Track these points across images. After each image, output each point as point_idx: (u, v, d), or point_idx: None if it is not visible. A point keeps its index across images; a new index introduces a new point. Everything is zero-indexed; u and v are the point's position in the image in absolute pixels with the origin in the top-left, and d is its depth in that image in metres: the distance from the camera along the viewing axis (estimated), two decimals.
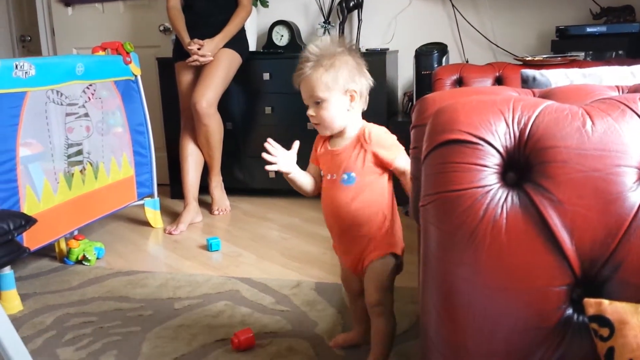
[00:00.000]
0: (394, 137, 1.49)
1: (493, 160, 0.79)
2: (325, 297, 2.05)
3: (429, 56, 2.98)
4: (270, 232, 2.84)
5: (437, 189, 0.80)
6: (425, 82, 2.86)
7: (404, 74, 3.48)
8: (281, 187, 3.39)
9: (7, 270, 2.00)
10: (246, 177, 3.42)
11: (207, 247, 2.60)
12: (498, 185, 0.78)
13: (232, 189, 3.39)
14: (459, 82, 2.61)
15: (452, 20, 3.36)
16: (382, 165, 1.48)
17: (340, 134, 1.52)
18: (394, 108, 3.40)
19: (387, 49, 3.20)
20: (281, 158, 1.55)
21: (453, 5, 3.31)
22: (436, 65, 2.92)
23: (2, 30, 4.39)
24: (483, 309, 0.78)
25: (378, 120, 3.02)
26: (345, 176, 1.49)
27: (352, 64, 1.46)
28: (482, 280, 0.77)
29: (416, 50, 3.04)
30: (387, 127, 3.16)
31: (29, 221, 1.93)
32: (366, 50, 3.25)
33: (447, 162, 0.80)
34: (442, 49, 3.02)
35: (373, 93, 3.22)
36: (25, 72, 2.10)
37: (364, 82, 1.48)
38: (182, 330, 1.84)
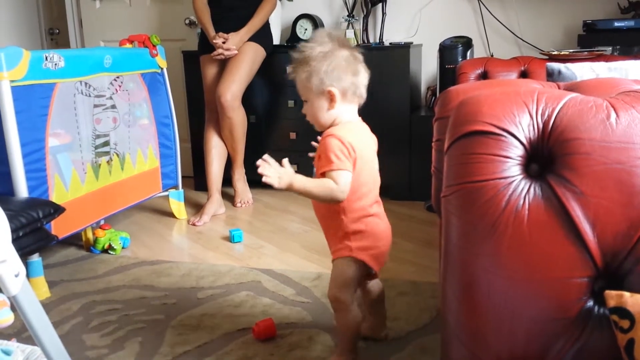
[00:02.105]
0: (340, 152, 1.42)
1: (516, 151, 0.79)
2: None
3: (453, 50, 2.96)
4: (291, 225, 2.87)
5: (460, 180, 0.81)
6: (449, 76, 2.85)
7: (427, 68, 3.47)
8: None
9: (36, 258, 2.05)
10: None
11: (230, 239, 2.64)
12: (521, 176, 0.79)
13: (255, 182, 3.41)
14: (484, 76, 2.59)
15: (478, 14, 3.33)
16: None
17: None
18: (417, 102, 3.38)
19: (411, 43, 3.19)
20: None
21: None
22: (460, 59, 2.90)
23: (31, 23, 4.48)
24: (504, 299, 0.78)
25: (400, 115, 3.07)
26: (314, 173, 1.51)
27: (338, 62, 1.45)
28: (503, 271, 0.78)
29: (440, 44, 3.03)
30: (410, 122, 3.15)
31: (57, 210, 1.99)
32: (390, 44, 3.25)
33: (470, 153, 0.80)
34: (466, 42, 3.00)
35: (396, 87, 3.23)
36: (55, 64, 2.15)
37: (350, 79, 1.46)
38: (204, 319, 1.87)
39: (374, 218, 1.54)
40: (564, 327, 0.77)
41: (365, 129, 1.57)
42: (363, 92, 1.50)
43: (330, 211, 1.50)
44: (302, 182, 1.40)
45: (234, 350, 1.67)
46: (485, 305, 0.80)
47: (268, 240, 2.65)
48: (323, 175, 1.44)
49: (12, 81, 1.96)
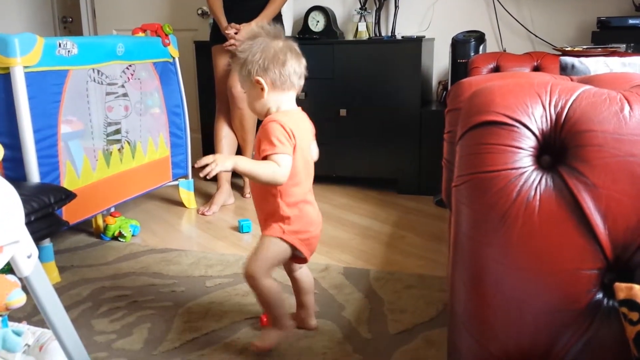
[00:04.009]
0: (282, 136, 1.46)
1: (528, 142, 0.79)
2: (353, 281, 2.07)
3: (465, 44, 2.95)
4: None
5: (471, 170, 0.81)
6: (461, 70, 2.84)
7: (439, 63, 3.46)
8: None
9: (47, 243, 2.07)
10: None
11: (239, 229, 2.65)
12: (532, 167, 0.79)
13: None
14: (496, 71, 2.58)
15: (491, 9, 3.31)
16: None
17: None
18: (428, 97, 3.38)
19: (423, 37, 3.18)
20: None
21: None
22: (473, 54, 2.89)
23: (44, 11, 4.50)
24: (512, 289, 0.78)
25: (411, 109, 3.06)
26: (253, 154, 1.57)
27: (267, 53, 1.51)
28: (513, 261, 0.78)
29: (453, 39, 3.02)
30: (420, 117, 3.14)
31: (68, 196, 2.01)
32: (402, 37, 3.24)
33: (482, 144, 0.80)
34: (479, 37, 2.99)
35: (407, 81, 3.22)
36: (68, 51, 2.16)
37: (278, 69, 1.51)
38: (212, 307, 1.88)
39: (308, 205, 1.59)
40: (573, 319, 0.77)
41: (303, 117, 1.62)
42: (295, 81, 1.56)
43: (267, 194, 1.55)
44: (247, 162, 1.45)
45: (241, 338, 1.69)
46: (494, 295, 0.80)
47: None
48: (265, 159, 1.47)
49: (25, 67, 1.97)
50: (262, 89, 1.52)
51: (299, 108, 1.61)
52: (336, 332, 1.72)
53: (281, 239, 1.55)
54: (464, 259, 0.84)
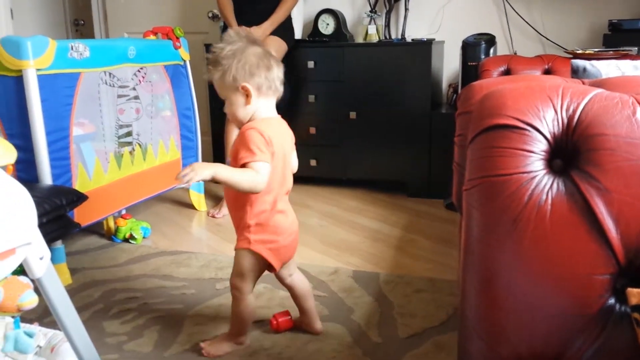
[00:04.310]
0: (261, 144, 1.45)
1: (540, 146, 0.79)
2: (362, 284, 2.07)
3: (476, 47, 2.94)
4: (309, 220, 2.87)
5: (482, 173, 0.81)
6: (471, 73, 2.83)
7: (449, 65, 3.45)
8: (322, 176, 3.42)
9: (59, 245, 2.09)
10: None
11: None
12: (544, 171, 0.78)
13: None
14: (507, 74, 2.57)
15: (501, 12, 3.30)
16: None
17: None
18: (439, 99, 3.37)
19: (433, 39, 3.17)
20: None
21: None
22: (483, 57, 2.88)
23: (56, 14, 4.54)
24: (524, 294, 0.78)
25: (421, 112, 3.05)
26: (228, 161, 1.55)
27: (248, 56, 1.49)
28: (524, 265, 0.77)
29: (463, 41, 3.01)
30: (430, 119, 3.14)
31: (80, 198, 2.02)
32: (412, 40, 3.23)
33: (493, 147, 0.80)
34: (489, 40, 2.98)
35: (417, 84, 3.22)
36: (80, 54, 2.18)
37: (263, 74, 1.50)
38: (222, 310, 1.89)
39: (279, 214, 1.56)
40: (584, 324, 0.77)
41: (283, 125, 1.60)
42: (279, 86, 1.55)
43: (238, 201, 1.54)
44: (228, 171, 1.44)
45: (251, 341, 1.69)
46: (505, 299, 0.80)
47: None
48: (244, 166, 1.46)
49: (38, 70, 1.99)
50: (248, 95, 1.50)
51: (279, 116, 1.60)
52: (345, 336, 1.72)
53: (248, 249, 1.54)
54: (475, 262, 0.83)
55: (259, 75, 1.50)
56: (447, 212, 2.92)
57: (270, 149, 1.48)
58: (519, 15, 3.26)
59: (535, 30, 3.25)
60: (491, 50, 2.96)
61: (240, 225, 1.56)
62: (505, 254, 0.79)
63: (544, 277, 0.77)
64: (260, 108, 1.54)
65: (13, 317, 1.04)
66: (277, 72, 1.54)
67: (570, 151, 0.78)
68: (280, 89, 1.56)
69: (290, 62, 3.19)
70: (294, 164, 1.66)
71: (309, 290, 1.74)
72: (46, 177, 2.04)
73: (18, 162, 2.02)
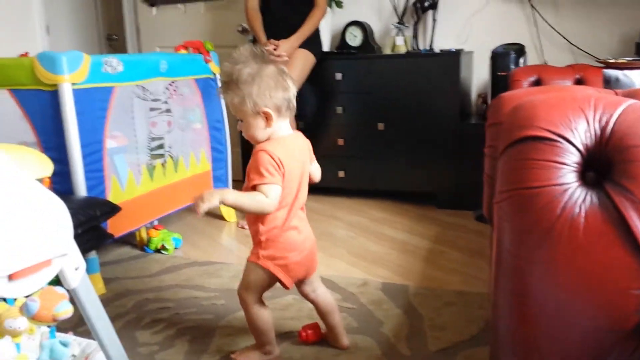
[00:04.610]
0: (270, 166, 1.46)
1: (572, 158, 0.78)
2: (391, 297, 2.06)
3: (505, 57, 2.91)
4: (337, 231, 2.87)
5: (514, 186, 0.80)
6: (501, 83, 2.80)
7: (478, 76, 3.43)
8: (350, 187, 3.42)
9: (93, 255, 2.13)
10: None
11: None
12: (577, 184, 0.77)
13: None
14: (537, 84, 2.54)
15: (531, 21, 3.27)
16: None
17: None
18: (467, 110, 3.35)
19: (462, 50, 3.16)
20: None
21: (532, 6, 3.23)
22: (513, 67, 2.86)
23: (90, 28, 4.67)
24: (557, 308, 0.77)
25: (450, 122, 3.04)
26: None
27: (266, 79, 1.48)
28: (557, 279, 0.76)
29: (492, 51, 2.99)
30: (460, 130, 3.11)
31: (113, 209, 2.07)
32: (440, 50, 3.22)
33: (525, 159, 0.79)
34: (519, 49, 2.95)
35: (445, 95, 3.20)
36: (114, 68, 2.23)
37: (281, 95, 1.49)
38: None
39: (291, 230, 1.57)
40: (619, 340, 0.75)
41: (296, 141, 1.59)
42: (294, 104, 1.54)
43: (252, 216, 1.56)
44: (235, 195, 1.46)
45: (281, 352, 1.69)
46: (538, 314, 0.79)
47: None
48: (254, 188, 1.48)
49: (73, 84, 2.04)
50: (269, 119, 1.49)
51: (295, 131, 1.61)
52: (375, 349, 1.71)
53: (256, 263, 1.56)
54: (507, 276, 0.83)
55: (277, 97, 1.49)
56: (477, 224, 2.88)
57: (282, 170, 1.48)
58: (549, 25, 3.22)
59: (565, 40, 3.21)
60: (521, 60, 2.93)
61: (255, 240, 1.59)
62: (537, 267, 0.78)
63: (577, 292, 0.76)
64: (278, 129, 1.54)
65: (49, 326, 1.07)
66: (293, 90, 1.54)
67: (604, 163, 0.77)
68: (295, 107, 1.56)
69: (318, 74, 3.21)
70: (316, 173, 1.67)
71: (334, 306, 1.73)
72: (81, 189, 2.09)
73: (54, 174, 2.08)
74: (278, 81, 1.50)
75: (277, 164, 1.47)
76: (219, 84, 2.90)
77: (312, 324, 1.77)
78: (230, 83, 1.50)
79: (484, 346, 1.69)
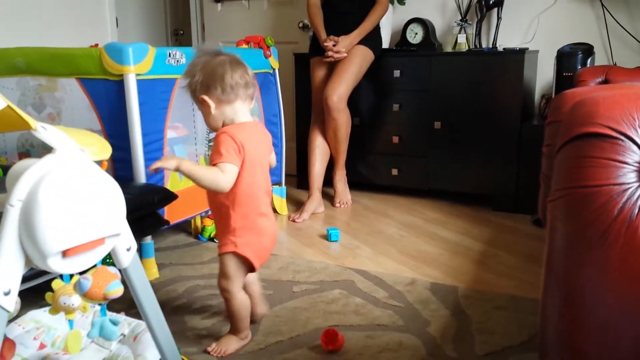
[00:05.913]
0: (230, 147, 1.52)
1: (634, 157, 0.74)
2: (440, 297, 2.02)
3: (572, 57, 2.81)
4: (388, 229, 2.85)
5: (570, 184, 0.77)
6: (566, 84, 2.70)
7: (543, 75, 3.31)
8: (403, 185, 3.38)
9: (149, 240, 2.20)
10: (369, 173, 3.45)
11: (327, 237, 2.67)
12: (637, 184, 0.73)
13: (355, 184, 3.44)
14: None
15: (601, 20, 3.13)
16: None
17: None
18: (530, 111, 3.24)
19: (527, 49, 3.06)
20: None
21: (603, 5, 3.09)
22: (579, 67, 2.75)
23: (158, 23, 4.82)
24: (609, 313, 0.73)
25: (511, 123, 2.96)
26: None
27: (207, 71, 1.55)
28: (611, 283, 0.73)
29: (558, 51, 2.88)
30: (520, 131, 3.01)
31: (170, 197, 2.12)
32: (503, 49, 3.14)
33: (583, 156, 0.76)
34: (587, 50, 2.83)
35: (508, 94, 3.11)
36: (177, 61, 2.29)
37: (219, 84, 1.54)
38: (298, 312, 1.91)
39: (262, 217, 1.63)
40: None
41: (258, 129, 1.66)
42: (241, 91, 1.57)
43: (221, 205, 1.60)
44: (190, 164, 1.48)
45: (324, 350, 1.69)
46: (589, 319, 0.75)
47: (364, 242, 2.65)
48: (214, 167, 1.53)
49: (137, 74, 2.11)
50: (208, 106, 1.56)
51: (256, 120, 1.66)
52: (420, 348, 1.69)
53: (234, 252, 1.59)
54: (558, 278, 0.79)
55: (214, 86, 1.55)
56: (534, 229, 2.79)
57: (242, 153, 1.54)
58: (619, 24, 3.08)
59: (637, 41, 3.06)
60: (588, 61, 2.82)
61: (225, 231, 1.62)
62: (590, 270, 0.74)
63: (631, 297, 0.72)
64: (233, 113, 1.59)
65: (100, 304, 1.11)
66: (235, 78, 1.56)
67: None
68: (244, 94, 1.58)
69: (376, 71, 3.19)
70: (272, 160, 1.73)
71: (259, 290, 1.84)
72: (141, 176, 2.16)
73: (116, 160, 2.17)
74: (217, 69, 1.56)
75: (238, 146, 1.53)
76: (277, 79, 2.95)
77: (331, 330, 1.70)
78: (186, 74, 1.61)
79: (534, 353, 1.63)
